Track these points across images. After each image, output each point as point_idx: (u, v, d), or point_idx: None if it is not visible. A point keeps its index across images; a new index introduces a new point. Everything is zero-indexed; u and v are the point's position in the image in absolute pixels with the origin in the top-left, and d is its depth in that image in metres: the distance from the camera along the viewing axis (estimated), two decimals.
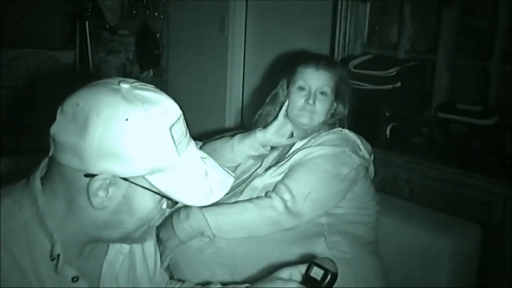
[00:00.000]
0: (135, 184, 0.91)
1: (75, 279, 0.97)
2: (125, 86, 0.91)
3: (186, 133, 0.95)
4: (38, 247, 0.93)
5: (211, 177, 0.97)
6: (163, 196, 0.93)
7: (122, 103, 0.89)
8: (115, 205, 0.92)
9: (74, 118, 0.89)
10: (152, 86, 0.96)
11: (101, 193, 0.90)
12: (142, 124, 0.88)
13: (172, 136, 0.91)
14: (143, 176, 0.90)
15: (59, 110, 0.92)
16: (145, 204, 0.94)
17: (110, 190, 0.90)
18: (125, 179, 0.90)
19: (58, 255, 0.93)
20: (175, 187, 0.93)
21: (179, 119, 0.93)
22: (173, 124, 0.91)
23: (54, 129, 0.91)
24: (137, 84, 0.94)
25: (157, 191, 0.92)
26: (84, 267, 1.00)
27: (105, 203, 0.91)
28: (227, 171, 1.00)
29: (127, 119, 0.87)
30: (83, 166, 0.89)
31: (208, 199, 0.96)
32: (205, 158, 0.99)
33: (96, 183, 0.89)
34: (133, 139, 0.88)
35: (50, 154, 0.93)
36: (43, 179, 0.96)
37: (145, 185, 0.91)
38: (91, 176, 0.89)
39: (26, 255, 0.92)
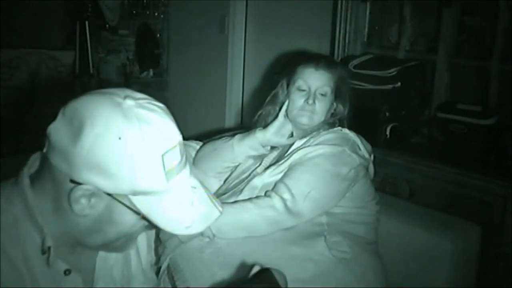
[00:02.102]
0: (117, 200, 0.90)
1: (67, 272, 0.97)
2: (129, 102, 0.90)
3: (181, 161, 0.92)
4: (29, 242, 0.94)
5: (196, 208, 0.95)
6: (143, 217, 0.92)
7: (119, 120, 0.87)
8: (96, 215, 0.91)
9: (71, 122, 0.89)
10: (161, 106, 0.94)
11: (83, 201, 0.89)
12: (134, 146, 0.87)
13: (163, 163, 0.89)
14: (126, 195, 0.89)
15: (61, 110, 0.92)
16: (126, 219, 0.93)
17: (93, 200, 0.90)
18: (108, 193, 0.89)
19: (49, 248, 0.93)
20: (157, 212, 0.91)
21: (175, 146, 0.91)
22: (167, 151, 0.89)
23: (51, 128, 0.91)
24: (145, 101, 0.92)
25: (137, 211, 0.91)
26: (77, 262, 1.00)
27: (87, 211, 0.90)
28: (215, 204, 0.98)
29: (119, 138, 0.86)
30: (70, 172, 0.88)
31: (188, 229, 0.94)
32: (195, 187, 0.96)
33: (78, 191, 0.88)
34: (122, 159, 0.86)
35: (44, 150, 0.93)
36: (34, 175, 0.97)
37: (126, 203, 0.90)
38: (75, 183, 0.88)
39: (18, 251, 0.93)
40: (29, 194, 0.94)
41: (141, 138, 0.87)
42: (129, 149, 0.86)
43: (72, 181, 0.88)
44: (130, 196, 0.89)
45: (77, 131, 0.87)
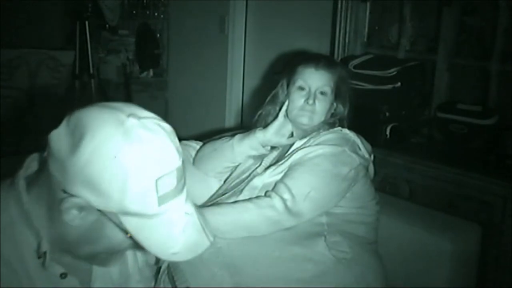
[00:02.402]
0: (107, 216, 0.89)
1: (63, 275, 0.97)
2: (132, 121, 0.88)
3: (176, 186, 0.90)
4: (25, 245, 0.93)
5: (186, 236, 0.93)
6: (130, 236, 0.91)
7: (119, 139, 0.86)
8: (86, 227, 0.91)
9: (72, 133, 0.88)
10: (166, 128, 0.92)
11: (74, 212, 0.88)
12: (128, 167, 0.85)
13: (156, 187, 0.87)
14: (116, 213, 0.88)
15: (65, 118, 0.91)
16: (115, 236, 0.92)
17: (83, 212, 0.89)
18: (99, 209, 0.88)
19: (45, 253, 0.93)
20: (145, 234, 0.90)
21: (172, 172, 0.89)
22: (162, 176, 0.87)
23: (53, 134, 0.90)
24: (149, 121, 0.90)
25: (125, 230, 0.90)
26: (74, 263, 1.00)
27: (77, 221, 0.90)
28: (206, 234, 0.96)
29: (115, 156, 0.85)
30: (64, 182, 0.88)
31: (174, 256, 0.93)
32: (189, 214, 0.94)
33: (69, 202, 0.88)
34: (114, 178, 0.85)
35: (44, 155, 0.92)
36: (31, 177, 0.96)
37: (115, 221, 0.89)
38: (67, 194, 0.88)
39: (14, 253, 0.93)
40: (25, 197, 0.94)
41: (136, 160, 0.86)
42: (122, 169, 0.85)
43: (64, 191, 0.88)
44: (120, 215, 0.88)
45: (77, 142, 0.86)
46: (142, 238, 0.90)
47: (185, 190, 0.94)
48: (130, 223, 0.89)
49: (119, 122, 0.88)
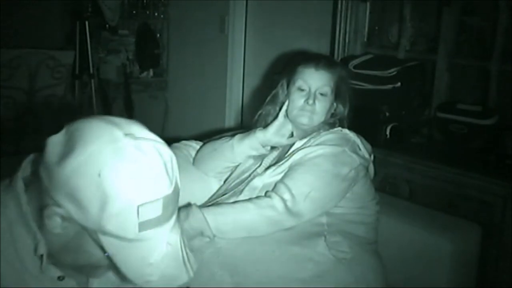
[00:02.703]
0: (87, 232, 0.87)
1: (60, 277, 0.97)
2: (127, 141, 0.86)
3: (162, 215, 0.87)
4: (24, 246, 0.93)
5: (164, 266, 0.90)
6: (108, 256, 0.89)
7: (107, 156, 0.84)
8: (66, 237, 0.89)
9: (67, 142, 0.87)
10: (164, 153, 0.89)
11: (57, 219, 0.87)
12: (110, 188, 0.83)
13: (137, 213, 0.84)
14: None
15: (66, 126, 0.90)
16: (95, 252, 0.90)
17: (65, 222, 0.87)
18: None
19: (42, 256, 0.92)
20: (122, 256, 0.88)
21: (158, 200, 0.86)
22: (146, 203, 0.84)
23: (51, 139, 0.89)
24: (147, 143, 0.87)
25: (103, 248, 0.88)
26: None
27: (58, 230, 0.88)
28: (187, 268, 0.93)
29: (99, 175, 0.83)
30: (49, 188, 0.87)
31: (148, 283, 0.90)
32: (171, 245, 0.90)
33: (52, 210, 0.87)
34: (95, 196, 0.83)
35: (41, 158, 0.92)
36: (29, 178, 0.96)
37: (95, 238, 0.87)
38: (53, 201, 0.86)
39: (14, 253, 0.93)
40: (23, 198, 0.93)
41: (120, 181, 0.84)
42: (104, 189, 0.83)
43: (50, 197, 0.87)
44: (98, 234, 0.86)
45: (66, 152, 0.85)
46: (118, 260, 0.88)
47: (172, 219, 0.91)
48: (107, 243, 0.86)
49: (113, 139, 0.86)
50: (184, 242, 0.94)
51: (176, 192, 0.90)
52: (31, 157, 0.99)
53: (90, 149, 0.84)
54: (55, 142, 0.89)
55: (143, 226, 0.85)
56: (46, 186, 0.87)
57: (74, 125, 0.90)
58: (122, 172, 0.84)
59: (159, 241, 0.89)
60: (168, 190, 0.88)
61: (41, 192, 0.90)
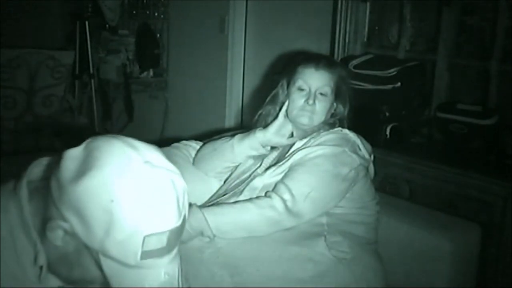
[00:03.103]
0: (88, 250, 0.87)
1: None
2: (145, 169, 0.86)
3: (165, 247, 0.88)
4: (24, 254, 0.93)
5: None
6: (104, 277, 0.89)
7: (123, 183, 0.84)
8: (66, 250, 0.89)
9: (84, 159, 0.87)
10: (178, 186, 0.89)
11: (59, 232, 0.87)
12: (121, 215, 0.84)
13: (142, 243, 0.85)
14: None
15: (86, 141, 0.90)
16: (91, 270, 0.90)
17: (67, 237, 0.87)
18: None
19: (41, 267, 0.92)
20: (118, 280, 0.88)
21: (165, 232, 0.87)
22: (152, 234, 0.85)
23: (68, 153, 0.89)
24: (164, 174, 0.87)
25: (100, 267, 0.88)
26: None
27: (59, 242, 0.88)
28: None
29: (112, 200, 0.83)
30: (57, 201, 0.86)
31: None
32: (168, 275, 0.90)
33: (56, 223, 0.86)
34: (103, 219, 0.84)
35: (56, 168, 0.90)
36: (34, 184, 0.95)
37: (95, 257, 0.87)
38: (59, 213, 0.86)
39: (15, 261, 0.92)
40: (26, 208, 0.92)
41: (132, 211, 0.84)
42: (114, 215, 0.83)
43: (56, 210, 0.86)
44: (100, 254, 0.86)
45: (83, 171, 0.85)
46: (114, 282, 0.88)
47: (174, 250, 0.91)
48: (107, 265, 0.87)
49: (132, 166, 0.86)
50: (181, 272, 0.94)
51: (182, 225, 0.90)
52: (38, 161, 0.98)
53: (107, 172, 0.84)
54: (72, 156, 0.88)
55: (145, 255, 0.86)
56: (55, 198, 0.87)
57: (94, 142, 0.89)
58: (135, 201, 0.85)
59: (157, 270, 0.89)
60: (176, 223, 0.88)
61: (47, 203, 0.89)
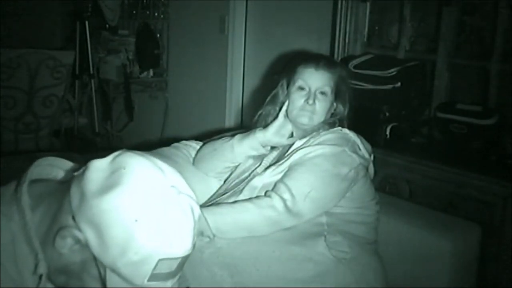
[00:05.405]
0: (95, 263, 0.87)
1: None
2: (171, 194, 0.86)
3: (173, 272, 0.88)
4: (24, 262, 0.92)
5: None
6: None
7: (149, 204, 0.84)
8: (69, 261, 0.89)
9: (111, 174, 0.86)
10: (195, 212, 0.89)
11: (69, 241, 0.86)
12: (140, 236, 0.83)
13: (155, 266, 0.85)
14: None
15: (113, 154, 0.89)
16: (91, 283, 0.89)
17: (76, 246, 0.86)
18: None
19: (41, 276, 0.91)
20: None
21: (177, 258, 0.87)
22: (165, 258, 0.86)
23: (93, 164, 0.88)
24: (187, 200, 0.88)
25: (104, 283, 0.87)
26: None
27: (65, 250, 0.87)
28: None
29: (136, 220, 0.83)
30: (76, 211, 0.86)
31: None
32: None
33: (69, 231, 0.86)
34: (121, 238, 0.83)
35: (75, 174, 0.90)
36: (39, 188, 0.94)
37: (101, 271, 0.87)
38: (74, 223, 0.85)
39: (14, 268, 0.92)
40: (29, 216, 0.91)
41: (154, 234, 0.84)
42: (135, 236, 0.83)
43: (73, 218, 0.86)
44: (108, 269, 0.86)
45: (109, 186, 0.84)
46: None
47: (178, 276, 0.91)
48: (112, 281, 0.86)
49: (160, 189, 0.86)
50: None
51: (191, 253, 0.91)
52: (39, 161, 0.97)
53: (134, 192, 0.84)
54: (98, 168, 0.87)
55: (154, 277, 0.86)
56: (73, 207, 0.86)
57: (122, 157, 0.89)
58: (158, 224, 0.85)
59: None
60: (189, 250, 0.89)
61: (60, 208, 0.88)
